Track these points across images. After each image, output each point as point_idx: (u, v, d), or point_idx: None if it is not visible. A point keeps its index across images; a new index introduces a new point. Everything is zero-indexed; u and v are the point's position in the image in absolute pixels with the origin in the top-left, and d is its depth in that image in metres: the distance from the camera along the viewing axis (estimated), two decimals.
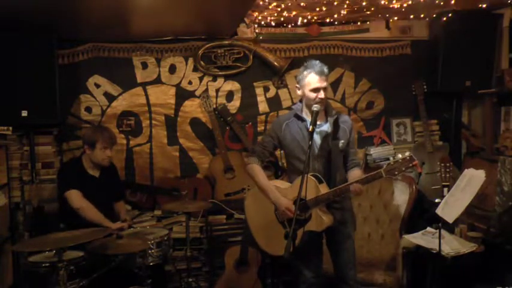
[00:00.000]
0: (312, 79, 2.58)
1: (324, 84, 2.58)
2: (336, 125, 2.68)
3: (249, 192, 2.98)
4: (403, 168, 2.39)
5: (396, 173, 2.41)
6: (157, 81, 3.90)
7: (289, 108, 4.05)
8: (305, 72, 2.61)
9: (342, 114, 2.79)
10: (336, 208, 2.65)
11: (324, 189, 2.54)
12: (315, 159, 2.64)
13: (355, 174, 2.67)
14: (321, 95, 2.57)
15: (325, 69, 2.62)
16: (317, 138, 2.65)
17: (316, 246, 2.75)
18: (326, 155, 2.64)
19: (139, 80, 3.88)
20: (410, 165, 2.39)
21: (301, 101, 2.73)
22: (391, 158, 2.46)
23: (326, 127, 2.67)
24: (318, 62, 2.63)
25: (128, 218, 3.29)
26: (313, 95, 2.58)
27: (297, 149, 2.66)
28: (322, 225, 2.54)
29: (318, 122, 2.62)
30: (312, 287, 2.76)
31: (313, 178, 2.55)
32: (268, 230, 2.75)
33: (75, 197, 3.01)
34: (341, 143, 2.65)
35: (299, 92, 2.69)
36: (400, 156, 2.41)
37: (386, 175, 2.42)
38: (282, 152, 3.94)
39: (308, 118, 2.65)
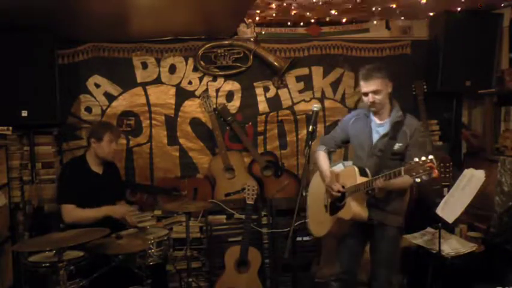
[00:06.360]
0: (361, 84, 2.68)
1: (372, 88, 2.61)
2: (396, 127, 2.64)
3: (315, 173, 3.04)
4: (421, 171, 2.28)
5: (414, 173, 2.30)
6: (157, 81, 3.90)
7: (289, 108, 4.08)
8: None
9: (410, 117, 2.72)
10: (379, 208, 2.65)
11: (362, 181, 2.56)
12: (369, 156, 2.68)
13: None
14: (370, 98, 2.63)
15: (374, 73, 2.61)
16: (375, 137, 2.70)
17: (351, 245, 2.80)
18: (379, 154, 2.66)
19: (139, 80, 3.88)
20: (428, 167, 2.26)
21: None
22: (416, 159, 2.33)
23: (384, 127, 2.69)
24: (370, 66, 2.65)
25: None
26: (365, 98, 2.67)
27: (358, 145, 2.75)
28: (349, 214, 2.59)
29: (380, 122, 2.70)
30: (337, 282, 2.83)
31: (355, 168, 2.61)
32: (315, 210, 2.93)
33: (67, 213, 3.02)
34: (397, 145, 2.62)
35: None
36: (423, 158, 2.29)
37: (405, 174, 2.35)
38: (281, 152, 4.04)
39: (373, 116, 2.72)
